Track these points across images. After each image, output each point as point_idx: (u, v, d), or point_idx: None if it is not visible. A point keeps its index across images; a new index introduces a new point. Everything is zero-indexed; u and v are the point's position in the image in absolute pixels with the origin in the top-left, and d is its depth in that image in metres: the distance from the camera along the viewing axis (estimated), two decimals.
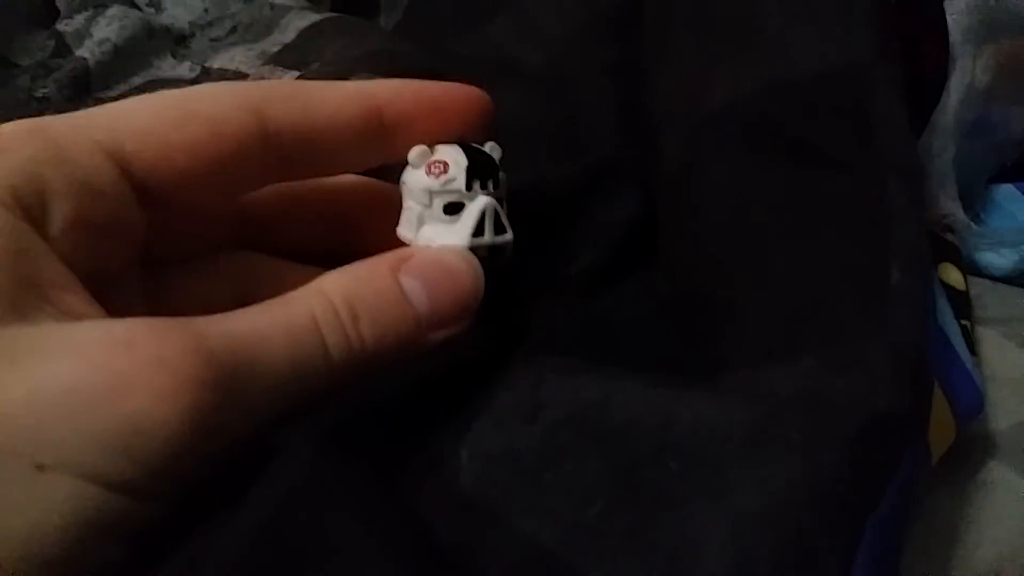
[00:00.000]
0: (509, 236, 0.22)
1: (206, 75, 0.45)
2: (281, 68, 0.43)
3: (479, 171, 0.22)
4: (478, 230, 0.21)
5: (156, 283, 0.21)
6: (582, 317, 0.27)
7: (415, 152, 0.21)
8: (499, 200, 0.22)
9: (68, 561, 0.15)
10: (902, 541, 0.19)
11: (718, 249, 0.23)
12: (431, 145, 0.22)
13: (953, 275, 0.30)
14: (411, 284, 0.20)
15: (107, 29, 0.46)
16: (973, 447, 0.26)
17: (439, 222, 0.21)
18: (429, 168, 0.21)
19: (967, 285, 0.31)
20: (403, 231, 0.22)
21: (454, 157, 0.21)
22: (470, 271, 0.21)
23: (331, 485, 0.18)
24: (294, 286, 0.21)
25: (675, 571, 0.17)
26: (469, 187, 0.21)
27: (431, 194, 0.21)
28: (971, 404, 0.26)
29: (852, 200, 0.22)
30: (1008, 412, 0.27)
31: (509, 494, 0.19)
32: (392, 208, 0.23)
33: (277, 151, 0.20)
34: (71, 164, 0.18)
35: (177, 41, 0.48)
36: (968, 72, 0.33)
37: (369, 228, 0.24)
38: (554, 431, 0.19)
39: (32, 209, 0.17)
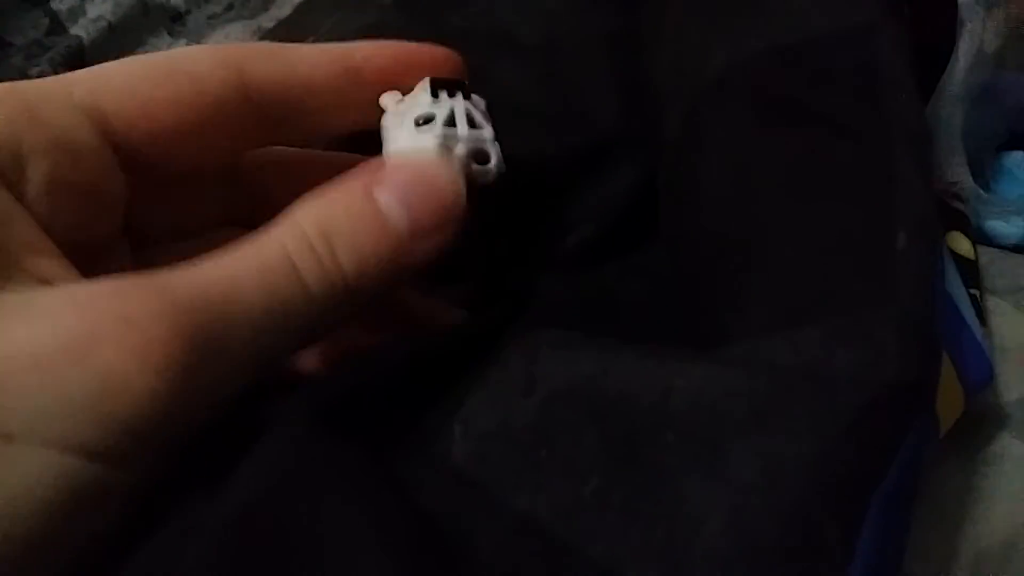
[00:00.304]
0: (488, 133, 0.21)
1: None
2: (277, 43, 0.42)
3: (443, 83, 0.21)
4: (450, 137, 0.20)
5: (149, 263, 0.21)
6: (581, 290, 0.26)
7: (386, 95, 0.21)
8: (476, 107, 0.21)
9: (50, 538, 0.15)
10: (910, 515, 0.18)
11: (719, 218, 0.23)
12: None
13: (962, 244, 0.30)
14: (387, 199, 0.18)
15: (102, 7, 0.45)
16: (982, 419, 0.26)
17: (410, 134, 0.20)
18: (400, 102, 0.21)
19: (976, 254, 0.30)
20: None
21: (420, 85, 0.21)
22: (447, 172, 0.19)
23: (322, 465, 0.17)
24: None
25: (674, 547, 0.16)
26: (435, 95, 0.21)
27: (402, 116, 0.21)
28: (981, 375, 0.25)
29: (857, 166, 0.21)
30: (1018, 383, 0.27)
31: (503, 470, 0.18)
32: None
33: (258, 109, 0.20)
34: (46, 124, 0.17)
35: (173, 18, 0.48)
36: (977, 37, 0.32)
37: None
38: (549, 406, 0.19)
39: (6, 170, 0.17)
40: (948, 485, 0.25)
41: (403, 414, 0.20)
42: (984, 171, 0.36)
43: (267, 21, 0.45)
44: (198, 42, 0.45)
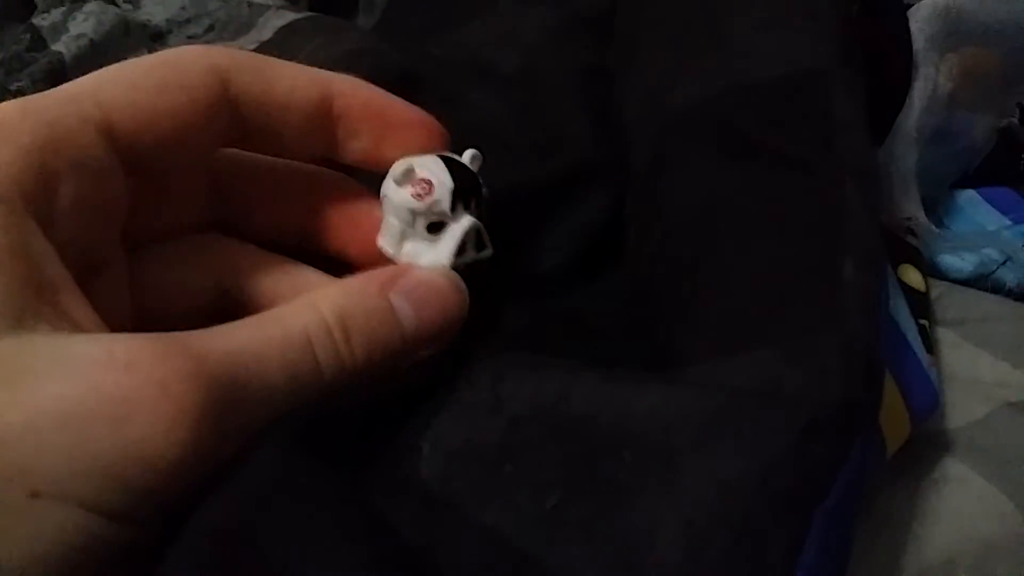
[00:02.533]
0: (489, 252, 0.22)
1: None
2: None
3: (463, 193, 0.22)
4: (460, 250, 0.22)
5: (139, 269, 0.21)
6: (549, 314, 0.27)
7: (398, 168, 0.21)
8: (480, 217, 0.22)
9: None
10: (853, 533, 0.19)
11: (680, 246, 0.24)
12: (413, 154, 0.22)
13: (913, 276, 0.31)
14: (400, 303, 0.20)
15: (84, 24, 0.45)
16: (928, 444, 0.27)
17: (422, 240, 0.22)
18: (414, 187, 0.21)
19: (927, 286, 0.31)
20: (384, 244, 0.22)
21: (439, 177, 0.21)
22: (456, 292, 0.21)
23: (294, 485, 0.18)
24: (269, 277, 0.22)
25: (629, 560, 0.17)
26: (453, 209, 0.21)
27: (415, 215, 0.21)
28: (926, 402, 0.26)
29: (809, 199, 0.22)
30: (964, 410, 0.28)
31: (470, 486, 0.19)
32: (363, 208, 0.23)
33: (240, 119, 0.21)
34: (69, 145, 0.18)
35: (154, 38, 0.48)
36: (931, 80, 0.33)
37: (341, 223, 0.24)
38: (515, 424, 0.20)
39: (35, 196, 0.17)
40: (893, 505, 0.26)
41: (372, 433, 0.21)
42: (937, 208, 0.37)
43: (248, 44, 0.46)
44: None
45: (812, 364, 0.19)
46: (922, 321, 0.29)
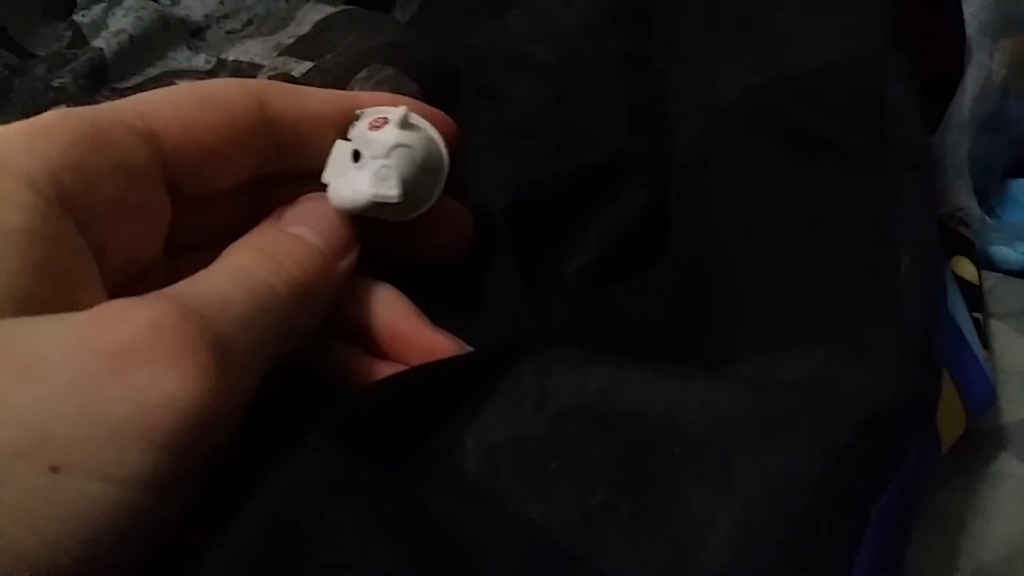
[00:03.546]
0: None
1: (221, 67, 0.45)
2: (295, 59, 0.43)
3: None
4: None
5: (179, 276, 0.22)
6: (592, 310, 0.27)
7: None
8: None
9: (91, 564, 0.15)
10: (909, 531, 0.18)
11: (729, 240, 0.23)
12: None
13: (967, 268, 0.30)
14: (297, 229, 0.21)
15: (123, 20, 0.46)
16: (984, 439, 0.26)
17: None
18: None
19: (980, 279, 0.30)
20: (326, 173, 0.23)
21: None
22: (328, 206, 0.22)
23: (335, 480, 0.18)
24: None
25: (679, 559, 0.17)
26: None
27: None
28: (982, 397, 0.25)
29: (862, 191, 0.22)
30: (1020, 405, 0.27)
31: (514, 482, 0.19)
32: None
33: (276, 136, 0.22)
34: (111, 146, 0.18)
35: (193, 33, 0.49)
36: (984, 67, 0.32)
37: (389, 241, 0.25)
38: (559, 419, 0.19)
39: (72, 194, 0.17)
40: (949, 503, 0.25)
41: (417, 427, 0.20)
42: (990, 198, 0.36)
43: (286, 38, 0.46)
44: (217, 57, 0.46)
45: (868, 361, 0.19)
46: (976, 314, 0.28)
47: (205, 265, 0.22)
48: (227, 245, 0.23)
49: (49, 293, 0.16)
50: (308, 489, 0.17)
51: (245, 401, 0.18)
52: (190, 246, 0.22)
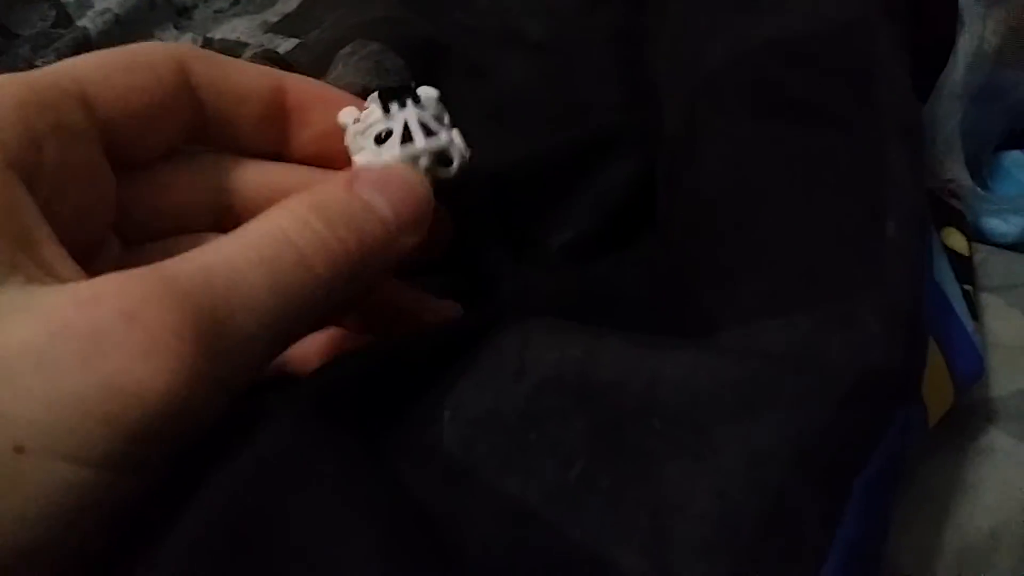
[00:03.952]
0: (445, 138, 0.21)
1: (208, 46, 0.45)
2: (281, 36, 0.43)
3: (392, 94, 0.22)
4: (406, 139, 0.21)
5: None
6: (576, 283, 0.27)
7: (344, 112, 0.22)
8: (429, 112, 0.22)
9: (54, 546, 0.15)
10: (893, 504, 0.18)
11: (714, 208, 0.23)
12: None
13: (957, 240, 0.30)
14: (369, 192, 0.19)
15: (109, 0, 0.46)
16: (972, 412, 0.26)
17: (372, 153, 0.21)
18: (356, 120, 0.22)
19: (971, 251, 0.30)
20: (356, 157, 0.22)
21: (372, 98, 0.22)
22: (415, 178, 0.20)
23: (312, 452, 0.17)
24: (269, 179, 0.23)
25: (657, 531, 0.16)
26: (387, 110, 0.21)
27: (360, 136, 0.22)
28: (971, 369, 0.25)
29: (849, 158, 0.21)
30: (1009, 379, 0.27)
31: (493, 455, 0.18)
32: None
33: (198, 106, 0.21)
34: (50, 109, 0.18)
35: (179, 12, 0.48)
36: (977, 35, 0.32)
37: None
38: (539, 391, 0.19)
39: (19, 155, 0.17)
40: (936, 476, 0.25)
41: (394, 401, 0.20)
42: (982, 169, 0.36)
43: (272, 16, 0.46)
44: (203, 36, 0.46)
45: (852, 329, 0.18)
46: (966, 286, 0.28)
47: (163, 256, 0.22)
48: (186, 236, 0.22)
49: (13, 254, 0.16)
50: (281, 464, 0.17)
51: (240, 384, 0.17)
52: (145, 232, 0.22)
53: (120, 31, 0.45)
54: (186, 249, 0.21)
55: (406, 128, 0.21)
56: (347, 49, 0.34)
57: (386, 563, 0.16)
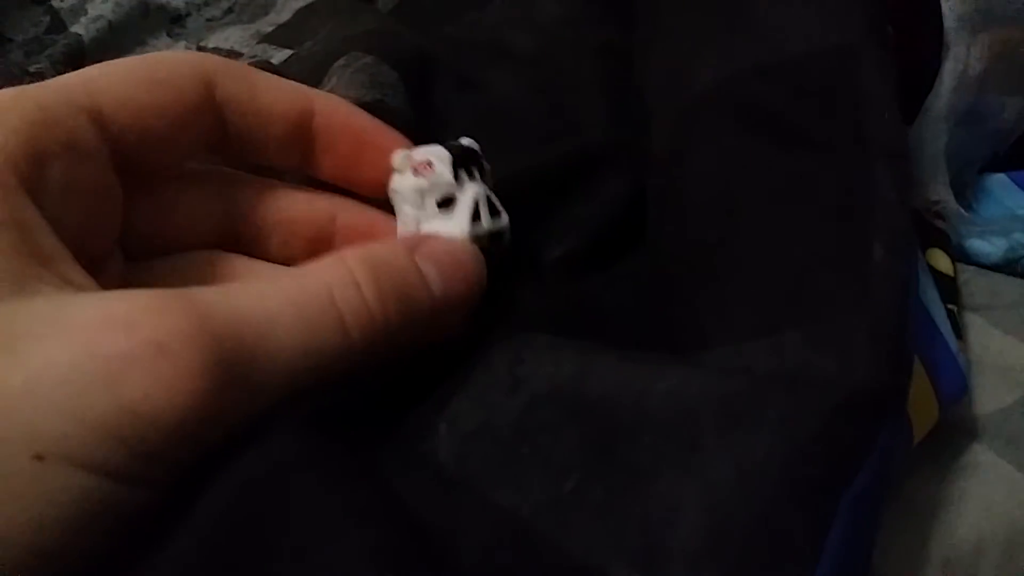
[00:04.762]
0: (505, 219, 0.22)
1: None
2: (275, 47, 0.43)
3: (463, 161, 0.22)
4: (475, 218, 0.21)
5: (140, 277, 0.21)
6: (566, 299, 0.27)
7: (398, 156, 0.22)
8: (488, 186, 0.22)
9: (65, 550, 0.15)
10: (879, 519, 0.19)
11: (702, 228, 0.23)
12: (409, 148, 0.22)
13: (941, 261, 0.30)
14: (426, 266, 0.19)
15: (102, 6, 0.46)
16: (956, 430, 0.27)
17: (435, 218, 0.22)
18: (415, 169, 0.22)
19: (955, 271, 0.31)
20: (404, 234, 0.22)
21: (436, 154, 0.22)
22: (476, 260, 0.21)
23: (307, 465, 0.17)
24: (279, 202, 0.23)
25: (648, 544, 0.17)
26: (457, 178, 0.22)
27: (422, 193, 0.21)
28: (954, 387, 0.26)
29: (836, 180, 0.22)
30: (992, 397, 0.27)
31: (486, 468, 0.19)
32: (374, 214, 0.23)
33: (223, 123, 0.21)
34: (59, 125, 0.18)
35: (172, 20, 0.48)
36: (962, 60, 0.32)
37: (357, 229, 0.24)
38: (532, 405, 0.19)
39: (28, 174, 0.17)
40: (921, 492, 0.25)
41: (389, 414, 0.20)
42: (966, 191, 0.36)
43: (265, 26, 0.46)
44: (197, 44, 0.46)
45: (839, 348, 0.19)
46: (950, 306, 0.28)
47: (165, 275, 0.22)
48: (190, 253, 0.22)
49: (38, 269, 0.16)
50: (275, 476, 0.17)
51: (253, 413, 0.17)
52: (150, 247, 0.22)
53: (113, 38, 0.45)
54: (193, 268, 0.22)
55: (475, 205, 0.21)
56: (341, 61, 0.34)
57: (381, 570, 0.16)
